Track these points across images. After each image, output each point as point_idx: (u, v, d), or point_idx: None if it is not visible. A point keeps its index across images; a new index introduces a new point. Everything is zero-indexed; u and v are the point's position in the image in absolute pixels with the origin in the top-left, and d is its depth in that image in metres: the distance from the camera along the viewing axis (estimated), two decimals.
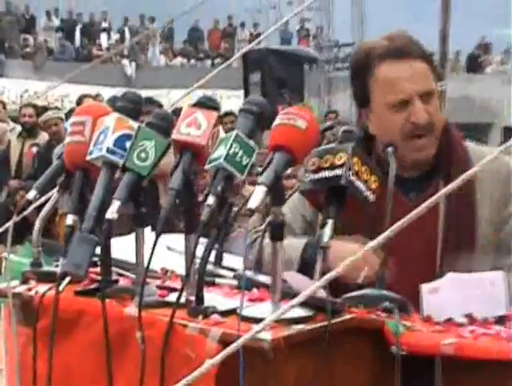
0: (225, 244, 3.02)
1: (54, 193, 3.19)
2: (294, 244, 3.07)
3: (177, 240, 2.72)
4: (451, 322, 2.46)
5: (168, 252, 2.87)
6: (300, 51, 25.61)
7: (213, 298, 2.54)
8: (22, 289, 3.07)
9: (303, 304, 2.28)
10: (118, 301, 2.69)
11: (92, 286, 2.85)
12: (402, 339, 2.31)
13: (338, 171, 2.39)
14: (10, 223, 3.67)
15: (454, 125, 3.28)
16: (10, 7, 31.23)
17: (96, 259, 2.84)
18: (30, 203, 3.18)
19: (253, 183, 2.42)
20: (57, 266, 3.01)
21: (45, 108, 14.16)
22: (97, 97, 10.86)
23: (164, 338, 2.40)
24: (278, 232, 2.37)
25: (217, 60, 28.96)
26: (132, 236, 2.77)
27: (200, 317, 2.41)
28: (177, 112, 3.00)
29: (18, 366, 3.11)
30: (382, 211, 2.81)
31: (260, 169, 2.38)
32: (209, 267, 2.61)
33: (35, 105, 14.00)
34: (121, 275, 2.92)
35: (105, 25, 32.92)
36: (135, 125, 2.80)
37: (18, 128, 13.66)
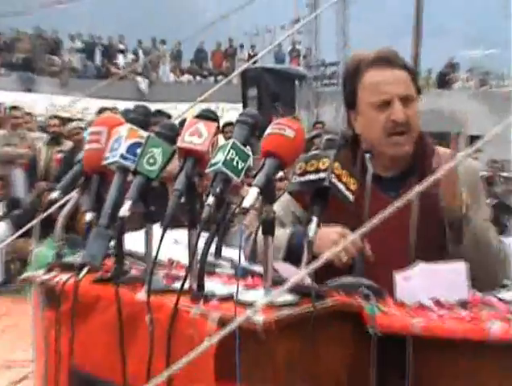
0: (225, 238, 3.03)
1: (75, 193, 3.19)
2: (282, 234, 3.09)
3: (182, 235, 2.72)
4: (420, 306, 2.47)
5: (174, 245, 2.87)
6: (292, 69, 25.65)
7: (213, 285, 2.55)
8: (46, 277, 3.06)
9: (292, 290, 2.29)
10: (130, 287, 2.69)
11: (108, 275, 2.84)
12: (378, 321, 2.31)
13: (322, 175, 2.39)
14: (36, 220, 3.67)
15: (427, 134, 3.28)
16: (38, 32, 31.31)
17: (111, 251, 2.87)
18: (54, 202, 3.18)
19: (251, 185, 2.43)
20: (78, 257, 3.01)
21: (69, 120, 14.17)
22: (114, 110, 10.80)
23: (170, 320, 2.41)
24: (269, 227, 2.36)
25: (219, 77, 28.96)
26: (142, 231, 2.77)
27: (202, 302, 2.41)
28: (184, 122, 3.00)
29: (45, 343, 3.13)
30: (362, 207, 2.83)
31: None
32: (210, 258, 2.61)
33: (61, 117, 13.99)
34: (132, 265, 2.91)
35: (121, 46, 32.97)
36: (145, 134, 2.83)
37: (46, 136, 13.64)
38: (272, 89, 19.34)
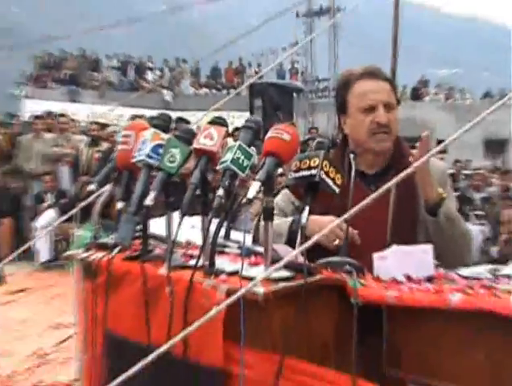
0: (234, 224, 3.03)
1: (109, 186, 3.19)
2: (284, 222, 3.12)
3: (197, 221, 2.71)
4: (394, 281, 2.46)
5: (191, 230, 2.86)
6: (291, 84, 25.52)
7: (222, 263, 2.54)
8: (85, 255, 3.06)
9: (287, 267, 2.29)
10: (154, 264, 2.69)
11: (135, 253, 2.84)
12: (359, 293, 2.31)
13: (313, 171, 2.39)
14: (77, 208, 3.67)
15: (403, 138, 3.30)
16: (82, 52, 31.40)
17: (138, 234, 2.86)
18: (91, 193, 3.18)
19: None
20: (111, 239, 3.01)
21: (106, 125, 14.20)
22: (143, 117, 10.80)
23: (186, 291, 2.42)
24: (268, 214, 2.36)
25: (231, 90, 28.91)
26: (164, 217, 2.76)
27: (213, 276, 2.42)
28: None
29: (84, 310, 3.13)
30: (347, 198, 2.83)
31: None
32: (220, 240, 2.62)
33: (99, 123, 14.01)
34: (156, 245, 2.91)
35: (150, 64, 32.98)
36: (166, 137, 2.83)
37: (87, 139, 13.65)
38: (274, 100, 19.26)
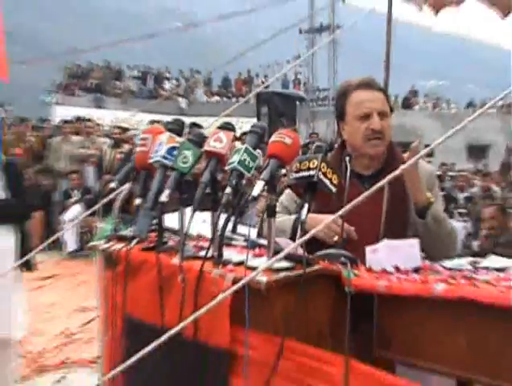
0: (242, 218, 3.05)
1: (128, 184, 3.19)
2: (287, 219, 3.10)
3: (208, 216, 2.71)
4: (384, 271, 2.46)
5: (202, 224, 2.86)
6: (294, 93, 25.57)
7: (229, 254, 2.53)
8: (106, 246, 3.07)
9: (288, 258, 2.29)
10: (168, 254, 2.69)
11: (151, 245, 2.84)
12: (352, 282, 2.31)
13: (312, 172, 2.37)
14: (100, 204, 3.67)
15: (395, 143, 3.30)
16: (106, 64, 31.45)
17: (153, 227, 2.87)
18: (112, 190, 3.18)
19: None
20: (129, 231, 3.01)
21: (127, 129, 14.20)
22: (160, 122, 10.79)
23: (197, 279, 2.42)
24: (271, 211, 2.36)
25: (240, 98, 28.90)
26: (177, 212, 2.76)
27: (220, 266, 2.42)
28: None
29: (105, 295, 3.14)
30: (343, 197, 2.83)
31: None
32: (227, 233, 2.62)
33: (121, 127, 14.01)
34: (170, 238, 2.91)
35: (167, 75, 33.01)
36: (180, 140, 2.84)
37: (110, 141, 13.66)
38: (279, 108, 19.29)
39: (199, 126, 8.80)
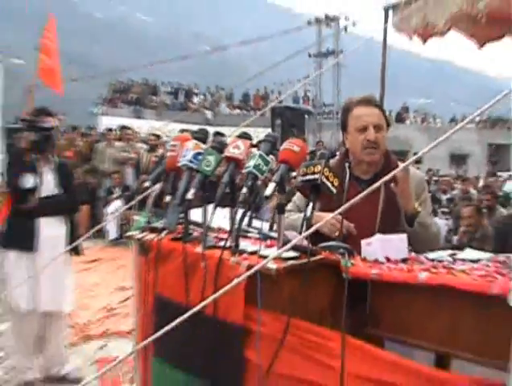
0: (258, 214, 3.04)
1: (160, 183, 3.19)
2: (299, 217, 3.05)
3: (227, 212, 2.71)
4: (377, 262, 2.46)
5: (223, 218, 2.85)
6: (303, 107, 25.53)
7: (245, 245, 2.54)
8: (141, 236, 3.07)
9: (295, 249, 2.29)
10: (192, 244, 2.70)
11: (178, 235, 2.84)
12: (349, 270, 2.31)
13: (316, 176, 2.36)
14: (137, 199, 3.68)
15: (391, 151, 3.29)
16: (145, 81, 31.49)
17: (181, 220, 2.87)
18: (147, 188, 3.19)
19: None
20: (160, 224, 3.02)
21: (160, 136, 14.22)
22: (189, 131, 10.81)
23: (217, 266, 2.43)
24: (281, 208, 2.36)
25: (257, 111, 28.89)
26: (201, 208, 2.76)
27: (237, 254, 2.43)
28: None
29: (139, 277, 3.17)
30: (342, 197, 2.82)
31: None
32: (244, 227, 2.62)
33: (156, 134, 14.03)
34: (194, 229, 2.90)
35: (196, 90, 32.97)
36: (204, 146, 2.85)
37: (146, 147, 13.69)
38: (290, 120, 19.25)
39: (222, 135, 8.77)
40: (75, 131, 18.46)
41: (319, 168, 2.39)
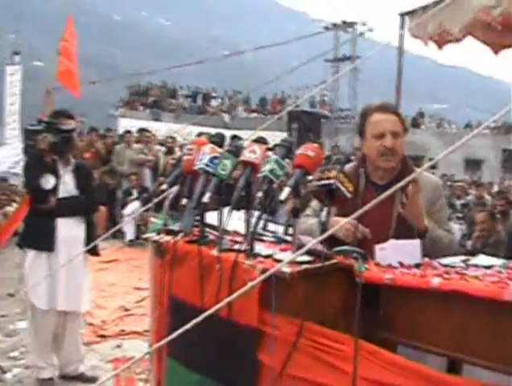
0: (274, 217, 3.05)
1: (177, 187, 3.20)
2: (316, 222, 3.05)
3: (243, 215, 2.72)
4: (390, 266, 2.45)
5: (238, 221, 2.86)
6: (320, 112, 25.54)
7: (260, 248, 2.55)
8: (157, 237, 3.08)
9: (309, 253, 2.30)
10: (208, 246, 2.71)
11: (194, 238, 2.85)
12: (363, 275, 2.30)
13: (331, 181, 2.36)
14: (154, 202, 3.69)
15: (407, 157, 3.26)
16: (163, 84, 31.61)
17: (197, 223, 2.88)
18: (163, 191, 3.20)
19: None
20: (177, 226, 3.03)
21: (176, 139, 14.27)
22: (206, 134, 10.81)
23: (232, 269, 2.44)
24: (296, 213, 2.37)
25: (274, 115, 28.89)
26: (217, 211, 2.76)
27: (252, 258, 2.43)
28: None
29: (155, 279, 3.16)
30: (358, 202, 2.82)
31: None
32: (259, 230, 2.63)
33: (174, 137, 14.08)
34: (210, 232, 2.90)
35: (213, 94, 33.05)
36: (220, 150, 2.86)
37: (164, 149, 13.73)
38: (307, 124, 19.25)
39: (239, 138, 8.79)
40: (94, 133, 18.55)
41: (334, 173, 2.39)
